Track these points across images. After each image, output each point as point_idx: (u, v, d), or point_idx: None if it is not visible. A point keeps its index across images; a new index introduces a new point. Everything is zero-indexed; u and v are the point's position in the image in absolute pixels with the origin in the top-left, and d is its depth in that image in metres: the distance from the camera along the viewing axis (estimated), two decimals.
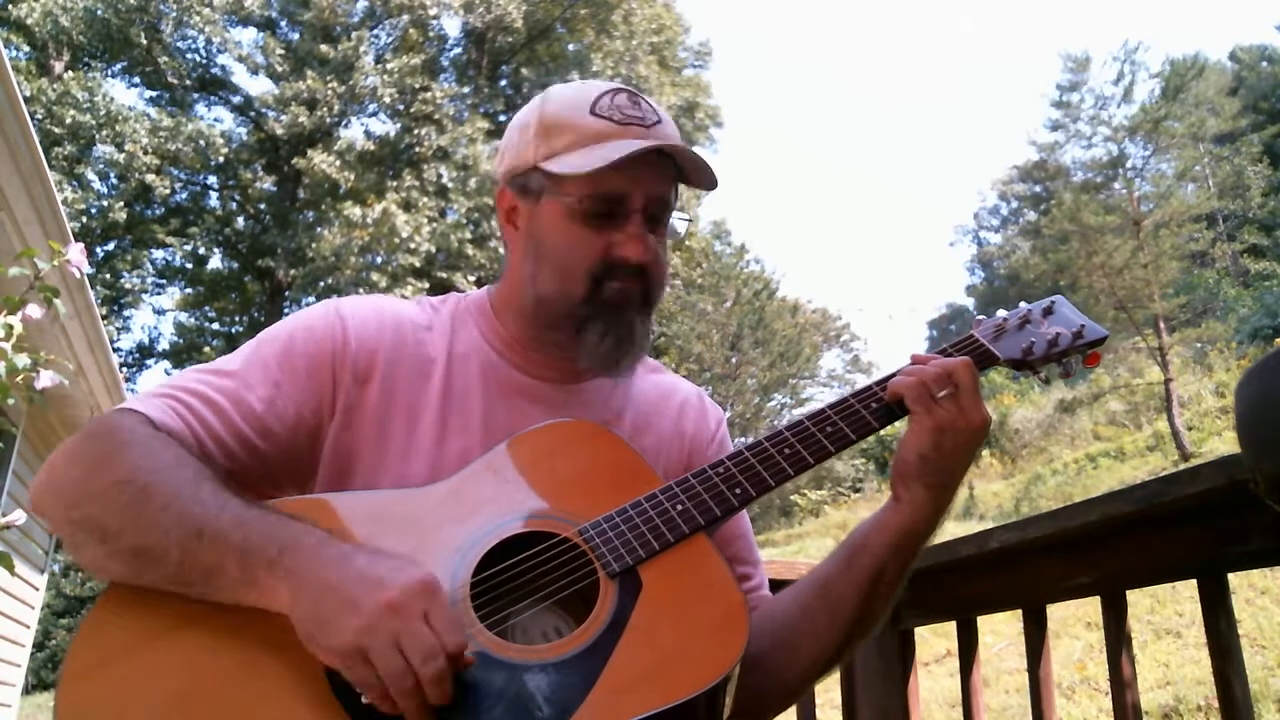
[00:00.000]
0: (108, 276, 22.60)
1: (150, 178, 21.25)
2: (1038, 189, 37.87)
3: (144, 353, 24.86)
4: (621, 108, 1.11)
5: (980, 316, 1.19)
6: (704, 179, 1.14)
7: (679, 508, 1.00)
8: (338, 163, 21.15)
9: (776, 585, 1.25)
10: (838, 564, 1.07)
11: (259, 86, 26.24)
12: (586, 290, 1.09)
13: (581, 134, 1.09)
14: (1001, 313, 1.19)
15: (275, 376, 1.06)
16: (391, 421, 1.09)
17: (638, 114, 1.11)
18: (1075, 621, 7.11)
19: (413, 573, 0.84)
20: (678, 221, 1.16)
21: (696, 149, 1.11)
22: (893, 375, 1.08)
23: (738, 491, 1.03)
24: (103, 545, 0.90)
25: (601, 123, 1.09)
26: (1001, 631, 7.10)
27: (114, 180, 21.76)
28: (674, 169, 1.13)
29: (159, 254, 24.85)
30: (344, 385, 1.09)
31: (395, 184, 21.41)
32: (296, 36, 24.31)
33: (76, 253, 3.02)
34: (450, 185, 21.45)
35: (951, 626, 1.76)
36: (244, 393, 1.04)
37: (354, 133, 23.47)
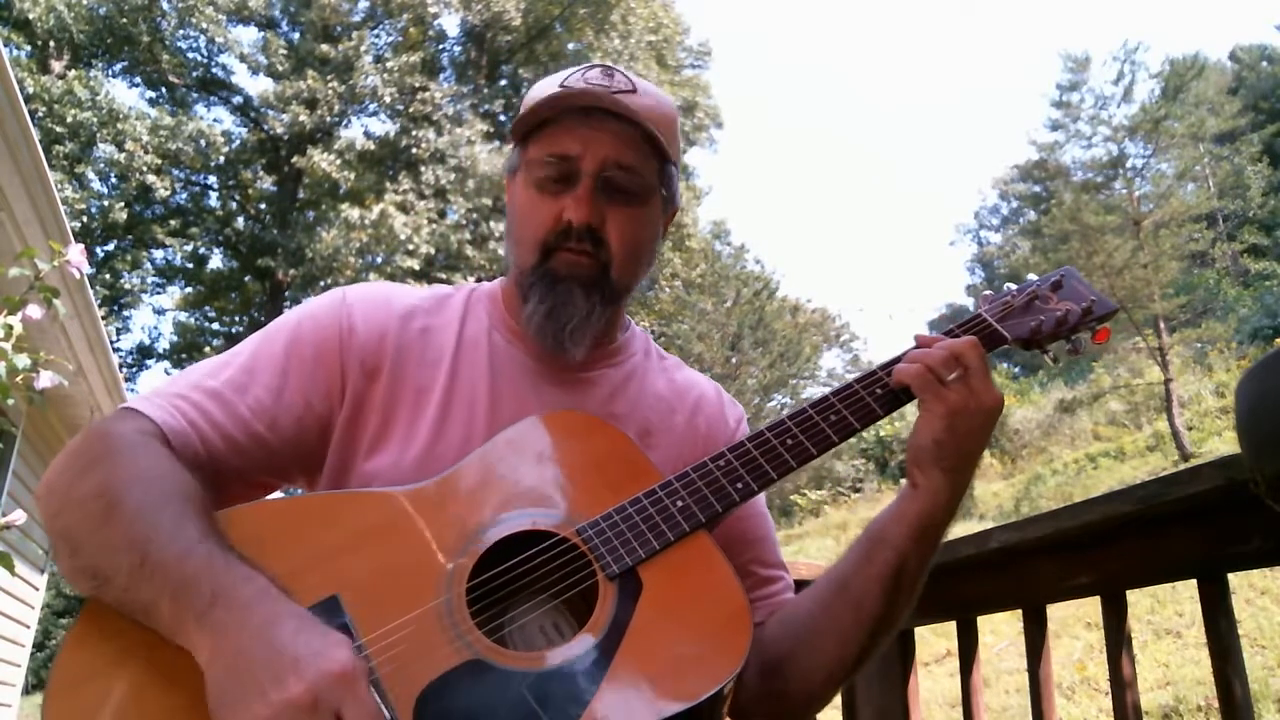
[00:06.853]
0: (108, 276, 22.58)
1: (150, 178, 21.24)
2: (1038, 189, 37.78)
3: (144, 353, 24.86)
4: (590, 78, 1.09)
5: (987, 292, 1.13)
6: (656, 146, 1.08)
7: (679, 504, 0.97)
8: (338, 162, 21.15)
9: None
10: (857, 560, 1.01)
11: (259, 86, 26.20)
12: (537, 259, 1.09)
13: (543, 103, 1.07)
14: (1010, 287, 1.13)
15: (282, 365, 1.05)
16: (399, 408, 1.07)
17: (604, 83, 1.08)
18: (1075, 621, 7.11)
19: (334, 658, 0.75)
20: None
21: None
22: (897, 359, 1.03)
23: (739, 485, 0.99)
24: (70, 559, 0.87)
25: (564, 91, 1.08)
26: (1001, 631, 7.10)
27: (114, 180, 21.76)
28: (646, 138, 1.06)
29: (159, 254, 24.88)
30: (352, 375, 1.07)
31: (394, 186, 21.41)
32: (297, 36, 24.32)
33: (76, 253, 3.03)
34: (449, 186, 21.43)
35: (951, 626, 1.75)
36: (250, 383, 1.03)
37: (354, 132, 23.50)
